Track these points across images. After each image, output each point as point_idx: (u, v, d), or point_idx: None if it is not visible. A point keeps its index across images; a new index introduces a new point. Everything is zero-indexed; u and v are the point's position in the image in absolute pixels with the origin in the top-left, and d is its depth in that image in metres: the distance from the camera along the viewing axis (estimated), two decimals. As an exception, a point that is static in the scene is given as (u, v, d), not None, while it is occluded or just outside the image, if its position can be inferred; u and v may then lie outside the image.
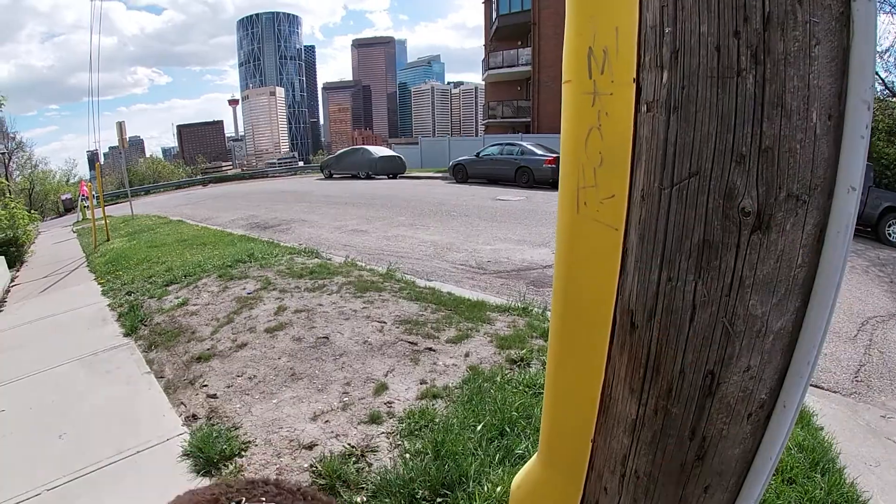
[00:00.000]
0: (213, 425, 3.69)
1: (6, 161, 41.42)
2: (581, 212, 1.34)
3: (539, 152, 20.22)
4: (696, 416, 1.21)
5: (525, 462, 2.12)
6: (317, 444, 3.33)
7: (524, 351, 4.27)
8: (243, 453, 3.35)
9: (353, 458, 3.13)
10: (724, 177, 1.05)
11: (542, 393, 3.46)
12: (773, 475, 1.31)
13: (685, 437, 1.24)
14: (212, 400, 4.09)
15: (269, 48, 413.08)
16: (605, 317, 1.33)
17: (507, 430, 3.16)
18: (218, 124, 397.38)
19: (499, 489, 2.66)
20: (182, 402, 4.15)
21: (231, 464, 3.24)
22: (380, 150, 30.37)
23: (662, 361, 1.22)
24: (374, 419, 3.52)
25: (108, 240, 13.68)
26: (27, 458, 3.63)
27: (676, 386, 1.21)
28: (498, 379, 3.83)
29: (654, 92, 1.13)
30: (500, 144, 22.65)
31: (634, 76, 1.17)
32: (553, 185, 18.72)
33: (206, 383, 4.35)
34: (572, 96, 1.34)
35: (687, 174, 1.10)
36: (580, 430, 1.53)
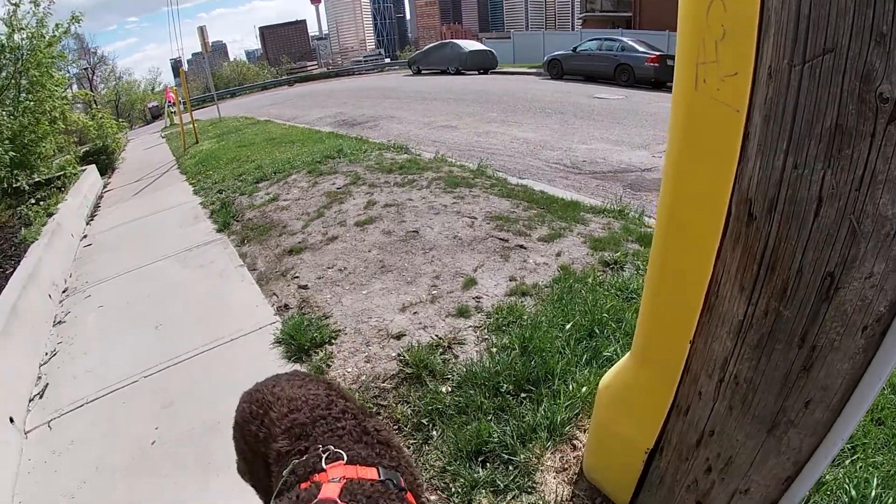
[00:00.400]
0: (305, 314, 3.84)
1: (90, 75, 42.93)
2: (699, 89, 1.22)
3: (641, 49, 19.06)
4: (809, 321, 1.14)
5: (613, 365, 2.07)
6: (405, 335, 3.41)
7: (618, 254, 4.15)
8: (333, 341, 3.48)
9: (440, 350, 3.19)
10: (861, 56, 0.94)
11: (635, 298, 3.39)
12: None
13: (794, 344, 1.18)
14: (303, 291, 4.23)
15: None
16: (719, 206, 1.23)
17: (597, 331, 3.12)
18: (301, 24, 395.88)
19: (584, 389, 2.65)
20: (274, 293, 4.33)
21: (321, 351, 3.38)
22: (470, 45, 29.53)
23: (780, 258, 1.12)
24: (462, 313, 3.56)
25: (196, 142, 14.16)
26: (126, 349, 3.93)
27: (792, 286, 1.13)
28: (589, 280, 3.76)
29: None
30: (599, 40, 21.48)
31: None
32: (655, 84, 17.81)
33: (297, 275, 4.51)
34: (693, -36, 1.20)
35: (821, 50, 0.98)
36: (679, 330, 1.46)
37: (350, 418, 1.43)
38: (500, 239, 4.62)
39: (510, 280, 3.95)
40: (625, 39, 20.43)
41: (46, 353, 4.05)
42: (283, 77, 54.95)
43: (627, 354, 1.86)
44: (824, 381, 1.17)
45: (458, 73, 27.37)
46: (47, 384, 3.65)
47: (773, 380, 1.23)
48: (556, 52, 22.87)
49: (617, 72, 19.19)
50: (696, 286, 1.35)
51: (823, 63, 0.97)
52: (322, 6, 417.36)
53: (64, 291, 5.28)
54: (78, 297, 5.07)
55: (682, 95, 1.27)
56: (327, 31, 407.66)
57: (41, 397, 3.52)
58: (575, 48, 21.81)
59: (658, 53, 18.27)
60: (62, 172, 10.02)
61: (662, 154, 7.82)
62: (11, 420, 3.10)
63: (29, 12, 9.93)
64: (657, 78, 17.73)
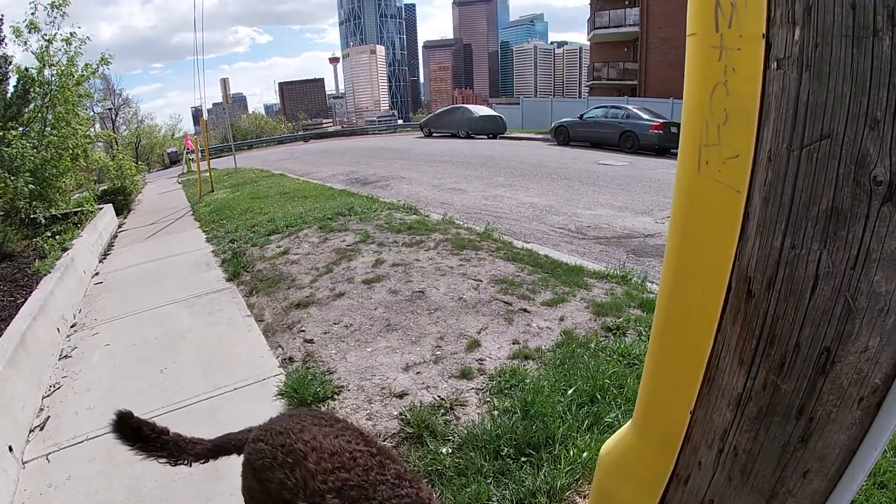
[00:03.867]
0: (309, 368, 3.86)
1: (113, 116, 44.05)
2: (702, 171, 1.29)
3: (645, 117, 19.49)
4: (807, 394, 1.17)
5: (614, 431, 2.08)
6: (407, 394, 3.42)
7: (621, 319, 4.18)
8: (336, 397, 3.48)
9: (442, 410, 3.19)
10: (856, 141, 1.00)
11: (637, 364, 3.40)
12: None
13: (792, 416, 1.20)
14: (308, 345, 4.26)
15: (370, 6, 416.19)
16: (719, 283, 1.28)
17: (598, 397, 3.12)
18: (319, 82, 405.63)
19: (585, 455, 2.64)
20: (280, 345, 4.35)
21: (324, 406, 3.38)
22: (480, 110, 30.20)
23: (778, 333, 1.17)
24: (465, 374, 3.57)
25: (212, 191, 14.43)
26: (130, 389, 3.94)
27: (790, 361, 1.17)
28: (592, 345, 3.77)
29: (785, 49, 1.08)
30: (605, 107, 21.98)
31: (764, 31, 1.12)
32: (659, 151, 18.14)
33: (303, 329, 4.54)
34: (697, 50, 1.28)
35: (818, 136, 1.04)
36: (680, 401, 1.49)
37: (407, 486, 1.38)
38: (505, 302, 4.65)
39: (513, 343, 3.97)
40: (629, 107, 20.91)
41: (50, 386, 4.08)
42: (299, 132, 56.26)
43: (629, 422, 1.87)
44: (822, 452, 1.19)
45: (468, 136, 27.91)
46: (48, 416, 3.66)
47: (772, 451, 1.25)
48: (563, 119, 23.40)
49: (622, 139, 19.59)
50: (697, 358, 1.38)
51: (820, 148, 1.03)
52: (340, 66, 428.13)
53: (72, 326, 5.33)
54: (85, 333, 5.11)
55: (686, 175, 1.33)
56: (344, 91, 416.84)
57: (42, 429, 3.53)
58: (581, 115, 22.31)
59: (662, 121, 18.70)
60: (80, 209, 10.22)
61: (665, 220, 7.98)
62: (10, 449, 3.11)
63: (60, 49, 10.31)
64: (661, 145, 18.10)
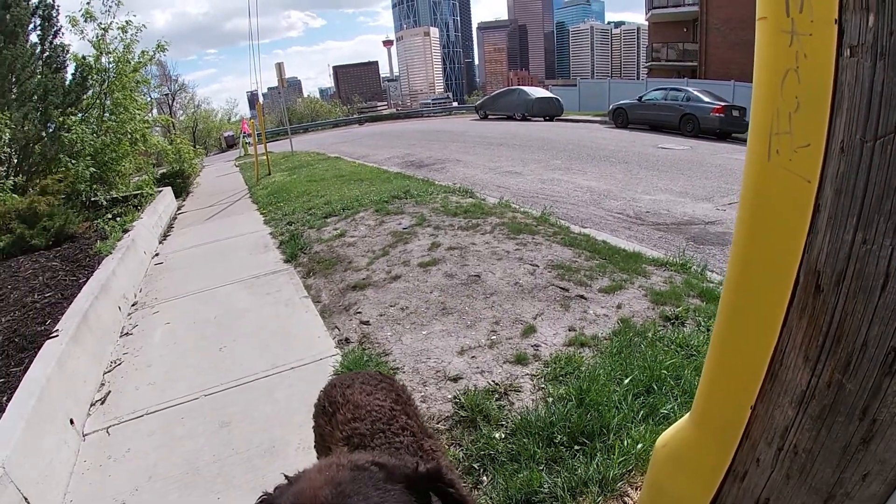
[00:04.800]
0: (365, 349, 3.93)
1: (170, 101, 45.14)
2: (772, 160, 1.26)
3: (706, 99, 18.92)
4: (871, 394, 1.15)
5: (670, 423, 2.06)
6: (462, 378, 3.45)
7: (679, 308, 4.10)
8: (383, 373, 3.53)
9: (496, 395, 3.21)
10: None
11: (696, 355, 3.35)
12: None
13: (855, 417, 1.19)
14: (364, 326, 4.33)
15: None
16: (787, 276, 1.25)
17: (655, 387, 3.08)
18: (373, 65, 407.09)
19: (639, 446, 2.62)
20: (336, 326, 4.44)
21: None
22: (536, 92, 29.85)
23: (845, 331, 1.14)
24: (520, 360, 3.57)
25: (269, 173, 14.71)
26: (189, 366, 4.09)
27: (856, 359, 1.14)
28: (649, 334, 3.72)
29: (858, 35, 1.05)
30: (664, 89, 21.42)
31: (836, 16, 1.09)
32: (720, 135, 17.66)
33: (359, 310, 4.61)
34: (767, 34, 1.25)
35: (893, 128, 1.02)
36: (740, 395, 1.47)
37: (409, 435, 1.48)
38: (561, 288, 4.63)
39: (569, 330, 3.95)
40: (690, 90, 20.31)
41: (112, 363, 4.27)
42: (354, 116, 56.68)
43: (687, 415, 1.85)
44: (883, 455, 1.16)
45: (524, 119, 27.71)
46: (109, 391, 3.84)
47: (833, 451, 1.23)
48: (621, 101, 22.95)
49: (682, 122, 19.07)
50: (761, 352, 1.36)
51: (895, 140, 1.00)
52: (394, 49, 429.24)
53: (133, 305, 5.55)
54: (146, 311, 5.32)
55: (755, 164, 1.30)
56: (398, 73, 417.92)
57: (102, 403, 3.70)
58: (640, 97, 21.83)
59: (723, 104, 18.14)
60: (139, 192, 10.58)
61: (727, 207, 7.79)
62: (72, 422, 3.28)
63: (117, 37, 10.64)
64: (722, 129, 17.62)
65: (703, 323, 3.83)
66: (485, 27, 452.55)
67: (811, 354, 1.21)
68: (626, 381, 3.14)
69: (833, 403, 1.20)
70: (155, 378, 3.96)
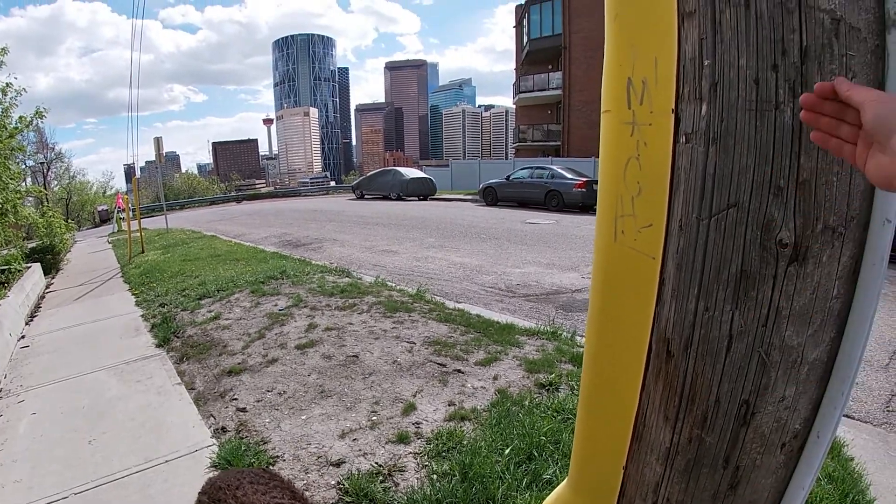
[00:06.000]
0: (242, 438, 3.74)
1: (45, 171, 42.59)
2: (618, 240, 1.36)
3: (569, 176, 20.23)
4: (731, 445, 1.22)
5: (553, 487, 2.11)
6: (344, 462, 3.35)
7: (553, 375, 4.25)
8: (271, 468, 3.38)
9: (381, 477, 3.14)
10: (762, 209, 1.08)
11: (571, 418, 3.46)
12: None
13: (719, 466, 1.25)
14: (241, 413, 4.14)
15: (304, 69, 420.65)
16: (640, 344, 1.34)
17: (535, 454, 3.14)
18: (252, 142, 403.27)
19: (525, 514, 2.65)
20: (212, 415, 4.21)
21: (260, 478, 3.27)
22: (411, 172, 30.63)
23: (698, 390, 1.23)
24: (402, 439, 3.53)
25: (142, 252, 13.98)
26: (57, 461, 3.71)
27: (711, 415, 1.22)
28: (526, 403, 3.82)
29: (692, 123, 1.15)
30: (531, 168, 22.70)
31: (673, 107, 1.19)
32: (583, 208, 18.79)
33: (236, 397, 4.41)
34: (611, 126, 1.36)
35: (725, 205, 1.12)
36: (612, 457, 1.53)
37: None
38: (439, 363, 4.66)
39: (449, 405, 3.97)
40: (554, 167, 21.66)
41: (-26, 458, 3.79)
42: (232, 193, 55.46)
43: (565, 480, 1.91)
44: (751, 497, 1.24)
45: (399, 198, 28.21)
46: None
47: (703, 500, 1.29)
48: (490, 180, 24.01)
49: (547, 198, 20.24)
50: (625, 415, 1.44)
51: (728, 216, 1.11)
52: (273, 127, 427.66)
53: (-3, 392, 5.00)
54: (11, 400, 4.81)
55: (604, 244, 1.40)
56: (277, 152, 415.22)
57: None
58: (508, 176, 23.00)
59: (585, 179, 19.54)
60: (7, 266, 9.69)
61: (591, 275, 8.11)
62: None
63: None
64: (584, 202, 18.82)
65: (576, 387, 3.97)
66: (363, 109, 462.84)
67: (670, 414, 1.30)
68: (508, 450, 3.19)
69: (696, 457, 1.26)
70: (21, 475, 3.55)
